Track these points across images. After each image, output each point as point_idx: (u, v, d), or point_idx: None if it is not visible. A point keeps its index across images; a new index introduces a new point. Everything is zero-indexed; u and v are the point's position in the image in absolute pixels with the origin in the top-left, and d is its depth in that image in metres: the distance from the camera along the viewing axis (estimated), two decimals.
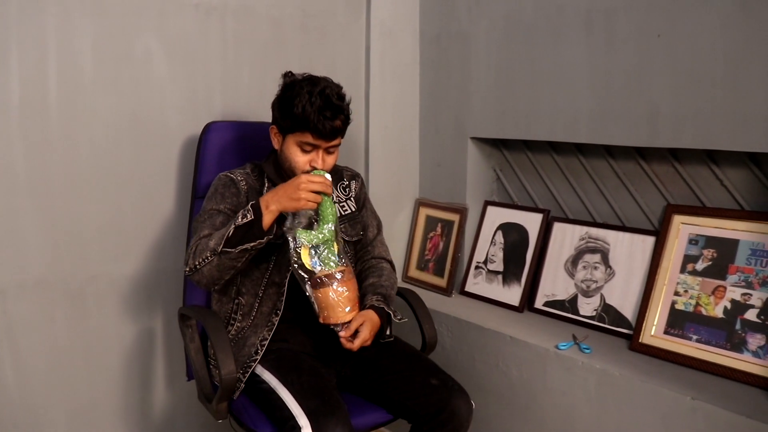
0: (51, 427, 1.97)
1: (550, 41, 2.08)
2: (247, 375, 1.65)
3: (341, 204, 1.88)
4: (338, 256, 1.61)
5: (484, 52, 2.30)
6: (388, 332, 1.79)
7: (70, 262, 1.94)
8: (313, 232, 1.58)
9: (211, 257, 1.58)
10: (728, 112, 1.68)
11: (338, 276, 1.58)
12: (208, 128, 1.94)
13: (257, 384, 1.63)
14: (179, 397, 2.21)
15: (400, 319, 1.76)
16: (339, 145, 1.73)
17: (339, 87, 1.71)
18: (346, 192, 1.92)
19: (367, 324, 1.65)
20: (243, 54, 2.19)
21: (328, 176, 1.62)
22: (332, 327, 1.62)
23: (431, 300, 2.23)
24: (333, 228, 1.60)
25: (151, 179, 2.06)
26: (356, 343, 1.62)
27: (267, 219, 1.58)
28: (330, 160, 1.73)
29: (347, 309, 1.60)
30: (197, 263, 1.61)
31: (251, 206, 1.59)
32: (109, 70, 1.94)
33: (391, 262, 1.96)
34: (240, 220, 1.58)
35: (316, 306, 1.61)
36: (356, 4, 2.45)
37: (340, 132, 1.70)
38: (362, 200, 1.95)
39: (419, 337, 1.87)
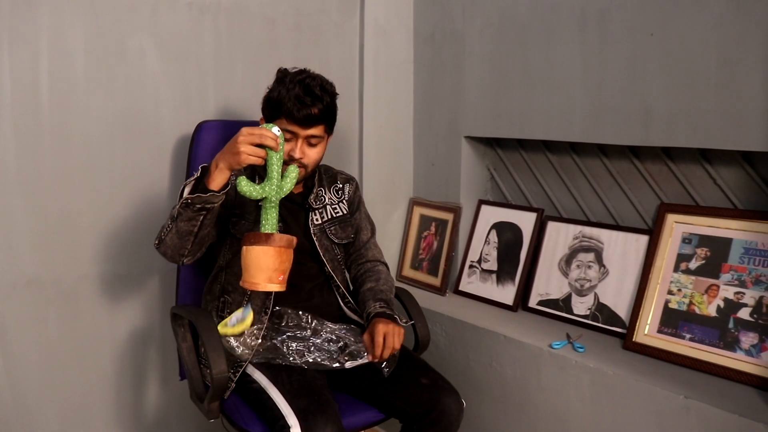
0: (43, 426, 1.96)
1: (544, 40, 2.08)
2: (238, 374, 1.64)
3: (333, 206, 1.87)
4: (275, 224, 1.55)
5: (478, 51, 2.30)
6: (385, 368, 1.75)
7: (62, 262, 1.93)
8: (255, 185, 1.51)
9: (170, 224, 1.58)
10: (721, 111, 1.68)
11: (268, 239, 1.51)
12: (201, 127, 1.94)
13: (248, 383, 1.63)
14: (172, 396, 2.20)
15: (405, 323, 1.76)
16: (322, 137, 1.71)
17: (326, 81, 1.70)
18: (338, 195, 1.91)
19: (391, 333, 1.65)
20: (236, 53, 2.19)
21: (276, 130, 1.51)
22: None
23: (425, 299, 2.23)
24: (276, 187, 1.52)
25: (144, 178, 2.05)
26: (386, 353, 1.62)
27: (216, 177, 1.51)
28: (312, 153, 1.71)
29: (270, 278, 1.50)
30: (162, 234, 1.62)
31: (201, 166, 1.58)
32: (102, 69, 1.93)
33: (386, 264, 1.95)
34: (189, 180, 1.58)
35: (242, 263, 1.53)
36: (350, 3, 2.45)
37: (318, 120, 1.67)
38: (356, 204, 1.94)
39: (412, 336, 1.87)
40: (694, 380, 1.65)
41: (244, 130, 1.49)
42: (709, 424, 1.51)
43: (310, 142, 1.70)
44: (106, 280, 2.02)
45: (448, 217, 2.43)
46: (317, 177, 1.87)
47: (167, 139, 2.07)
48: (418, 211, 2.58)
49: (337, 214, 1.87)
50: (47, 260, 1.91)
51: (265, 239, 1.50)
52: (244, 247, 1.51)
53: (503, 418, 2.01)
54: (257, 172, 1.79)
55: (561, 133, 2.07)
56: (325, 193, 1.87)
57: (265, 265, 1.50)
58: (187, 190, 1.56)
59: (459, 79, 2.38)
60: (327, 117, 1.70)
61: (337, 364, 1.63)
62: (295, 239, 1.57)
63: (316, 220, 1.82)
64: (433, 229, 2.49)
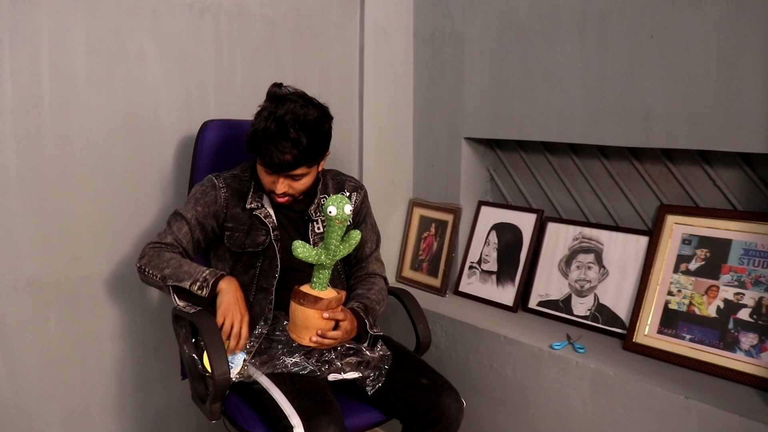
0: (44, 427, 1.96)
1: (543, 42, 2.09)
2: (239, 377, 1.64)
3: None
4: (326, 283, 1.59)
5: (478, 52, 2.31)
6: (366, 344, 1.73)
7: (63, 263, 1.93)
8: (310, 250, 1.54)
9: (158, 280, 1.67)
10: (721, 112, 1.69)
11: (317, 302, 1.56)
12: (206, 126, 1.94)
13: (250, 384, 1.63)
14: (173, 397, 2.20)
15: (375, 332, 1.74)
16: (306, 172, 1.68)
17: (311, 114, 1.63)
18: None
19: (347, 323, 1.63)
20: (236, 54, 2.19)
21: (332, 210, 1.49)
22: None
23: (425, 300, 2.23)
24: (331, 257, 1.55)
25: (145, 179, 2.05)
26: (327, 338, 1.59)
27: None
28: (297, 185, 1.70)
29: (307, 336, 1.58)
30: (147, 271, 1.70)
31: (212, 284, 1.63)
32: (103, 70, 1.93)
33: (385, 279, 1.93)
34: (196, 286, 1.63)
35: (290, 313, 1.62)
36: (350, 4, 2.45)
37: (293, 165, 1.62)
38: (362, 215, 1.90)
39: (413, 337, 1.87)
40: (695, 381, 1.65)
41: (235, 317, 1.62)
42: (710, 424, 1.52)
43: (293, 178, 1.67)
44: (106, 281, 2.02)
45: (448, 218, 2.43)
46: (321, 185, 1.83)
47: (168, 139, 2.08)
48: (417, 212, 2.58)
49: None
50: (48, 261, 1.91)
51: (315, 301, 1.56)
52: (294, 304, 1.58)
53: (504, 419, 2.02)
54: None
55: (561, 135, 2.08)
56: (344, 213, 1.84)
57: (312, 325, 1.57)
58: (187, 283, 1.64)
59: (459, 81, 2.38)
60: (305, 158, 1.63)
61: (333, 375, 1.64)
62: (343, 297, 1.61)
63: (318, 229, 1.80)
64: (433, 230, 2.50)
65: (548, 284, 2.16)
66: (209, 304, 1.64)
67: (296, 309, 1.57)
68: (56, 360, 1.96)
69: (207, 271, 1.65)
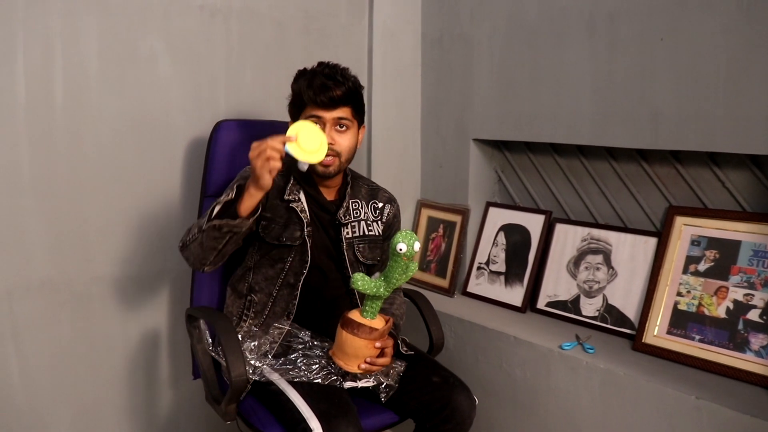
0: (56, 427, 1.97)
1: (552, 44, 2.10)
2: (254, 377, 1.64)
3: (369, 224, 1.84)
4: (377, 312, 1.58)
5: (487, 54, 2.32)
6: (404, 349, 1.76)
7: (75, 263, 1.94)
8: (369, 282, 1.53)
9: (197, 234, 1.60)
10: (730, 114, 1.70)
11: (371, 332, 1.55)
12: (219, 126, 1.95)
13: (265, 385, 1.63)
14: (184, 397, 2.21)
15: (405, 351, 1.76)
16: (351, 121, 1.71)
17: (345, 68, 1.72)
18: (376, 214, 1.87)
19: (390, 349, 1.64)
20: (246, 55, 2.20)
21: (401, 247, 1.47)
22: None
23: (433, 301, 2.21)
24: (390, 290, 1.54)
25: (156, 179, 2.06)
26: (376, 366, 1.60)
27: (246, 202, 1.55)
28: (341, 140, 1.70)
29: (356, 364, 1.58)
30: (187, 239, 1.65)
31: (236, 186, 1.60)
32: (115, 71, 1.94)
33: (403, 292, 1.95)
34: (222, 197, 1.59)
35: (336, 337, 1.60)
36: (358, 5, 2.46)
37: (342, 101, 1.67)
38: (393, 229, 1.90)
39: (425, 338, 1.88)
40: (705, 381, 1.66)
41: (253, 145, 1.51)
42: (721, 425, 1.53)
43: (338, 125, 1.69)
44: (118, 281, 2.03)
45: (456, 219, 2.44)
46: (351, 188, 1.84)
47: (178, 141, 2.09)
48: (425, 213, 2.59)
49: (370, 233, 1.84)
50: (60, 262, 1.92)
51: (370, 332, 1.55)
52: (346, 333, 1.55)
53: (513, 419, 2.03)
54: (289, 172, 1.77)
55: (569, 136, 2.09)
56: (361, 207, 1.84)
57: (353, 353, 1.57)
58: (217, 209, 1.58)
59: (467, 82, 2.39)
60: (352, 98, 1.70)
61: (349, 383, 1.64)
62: (390, 325, 1.60)
63: (347, 234, 1.80)
64: (441, 230, 2.51)
65: (557, 285, 2.17)
66: (240, 216, 1.55)
67: (347, 338, 1.55)
68: (68, 360, 1.97)
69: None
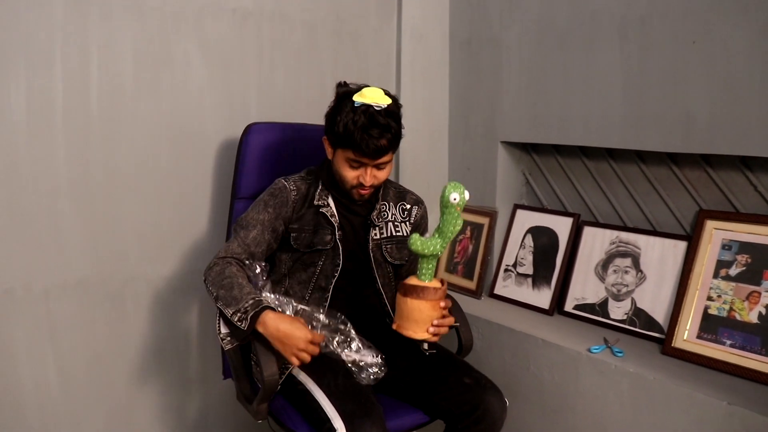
0: (90, 424, 2.01)
1: (583, 47, 2.10)
2: (284, 376, 1.67)
3: (396, 225, 1.87)
4: (434, 273, 1.59)
5: (516, 57, 2.32)
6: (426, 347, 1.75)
7: (110, 264, 1.99)
8: (426, 242, 1.54)
9: (214, 295, 1.63)
10: (764, 117, 1.68)
11: (432, 292, 1.56)
12: (249, 129, 1.97)
13: (293, 385, 1.66)
14: (214, 396, 2.24)
15: (428, 352, 1.74)
16: (390, 160, 1.73)
17: (391, 103, 1.68)
18: (404, 215, 1.90)
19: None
20: (277, 58, 2.22)
21: (455, 197, 1.52)
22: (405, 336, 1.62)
23: (461, 302, 2.22)
24: (445, 245, 1.56)
25: (189, 182, 2.09)
26: (443, 325, 1.63)
27: (261, 337, 1.56)
28: (381, 175, 1.73)
29: (424, 329, 1.59)
30: (208, 283, 1.66)
31: (251, 317, 1.53)
32: (149, 75, 1.98)
33: None
34: (236, 317, 1.55)
35: (397, 310, 1.62)
36: (387, 8, 2.47)
37: (387, 150, 1.68)
38: (422, 229, 1.93)
39: (453, 339, 1.89)
40: (737, 386, 1.65)
41: (303, 342, 1.53)
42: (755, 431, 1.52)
43: (379, 166, 1.71)
44: (151, 282, 2.07)
45: (484, 221, 2.45)
46: (381, 192, 1.86)
47: (210, 143, 2.12)
48: None
49: (398, 233, 1.86)
50: (95, 262, 1.96)
51: (423, 293, 1.57)
52: (408, 299, 1.58)
53: (541, 422, 2.03)
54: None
55: (599, 139, 2.09)
56: (389, 209, 1.87)
57: (421, 318, 1.58)
58: (227, 314, 1.58)
59: (496, 85, 2.40)
60: (395, 143, 1.70)
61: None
62: (446, 287, 1.62)
63: (375, 235, 1.82)
64: (468, 232, 2.51)
65: (584, 288, 2.16)
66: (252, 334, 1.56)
67: (413, 304, 1.57)
68: (102, 359, 2.01)
69: (250, 301, 1.56)
